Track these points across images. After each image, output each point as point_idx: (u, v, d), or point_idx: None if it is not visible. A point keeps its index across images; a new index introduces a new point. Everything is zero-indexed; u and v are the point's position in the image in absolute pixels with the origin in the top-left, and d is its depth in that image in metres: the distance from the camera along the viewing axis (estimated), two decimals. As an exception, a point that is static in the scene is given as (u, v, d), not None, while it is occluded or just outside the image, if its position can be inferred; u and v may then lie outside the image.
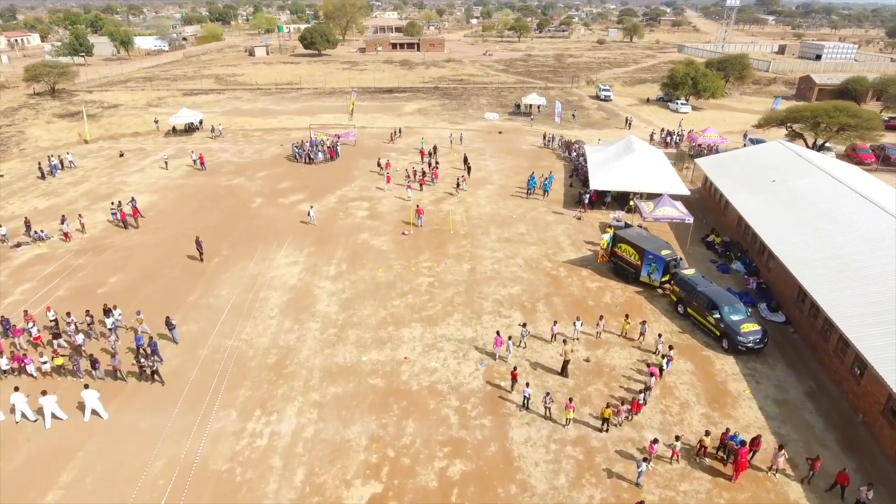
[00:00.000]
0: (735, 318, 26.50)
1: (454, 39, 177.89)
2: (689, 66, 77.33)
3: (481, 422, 22.09)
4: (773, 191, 35.76)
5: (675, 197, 38.33)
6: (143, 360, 23.54)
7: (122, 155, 55.28)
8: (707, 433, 20.12)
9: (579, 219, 41.06)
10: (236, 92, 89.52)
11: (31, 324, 26.05)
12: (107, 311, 26.89)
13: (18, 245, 36.00)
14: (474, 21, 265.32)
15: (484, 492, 19.12)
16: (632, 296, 31.14)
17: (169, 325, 26.04)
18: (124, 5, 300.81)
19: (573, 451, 20.76)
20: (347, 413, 22.35)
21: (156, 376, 23.70)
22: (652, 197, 40.90)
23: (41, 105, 76.89)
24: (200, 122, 64.91)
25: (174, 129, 63.56)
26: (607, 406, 21.35)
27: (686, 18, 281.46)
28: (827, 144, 54.01)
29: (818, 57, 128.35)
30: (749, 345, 25.65)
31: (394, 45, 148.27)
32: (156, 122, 65.39)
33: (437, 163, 50.51)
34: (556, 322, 26.98)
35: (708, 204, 43.37)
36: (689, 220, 36.04)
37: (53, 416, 21.78)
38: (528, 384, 22.45)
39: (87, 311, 27.01)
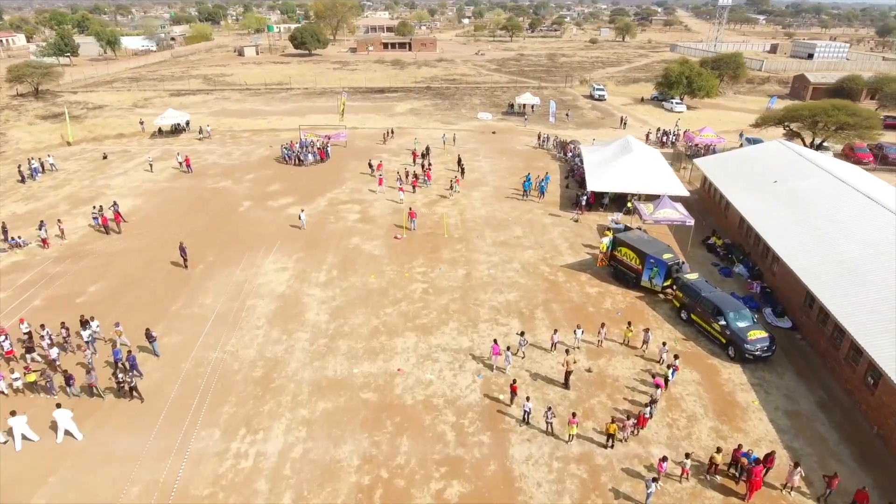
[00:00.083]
0: (741, 324, 25.51)
1: (446, 39, 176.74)
2: (684, 66, 76.58)
3: (479, 438, 20.94)
4: (775, 192, 34.85)
5: (674, 198, 37.37)
6: (121, 375, 22.21)
7: (105, 157, 53.71)
8: (718, 450, 19.07)
9: (577, 221, 40.02)
10: (225, 92, 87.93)
11: (3, 337, 24.64)
12: (84, 323, 25.51)
13: (-6, 252, 34.54)
14: (466, 21, 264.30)
15: (483, 516, 18.00)
16: (633, 301, 30.10)
17: (149, 337, 24.70)
18: (112, 5, 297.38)
19: (577, 469, 19.65)
20: (338, 431, 21.13)
21: (134, 392, 22.36)
22: (651, 198, 39.96)
23: (24, 106, 74.97)
24: (187, 124, 63.35)
25: (160, 130, 61.99)
26: (612, 421, 20.26)
27: (677, 18, 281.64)
28: (825, 144, 53.35)
29: (810, 56, 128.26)
30: (756, 353, 24.67)
31: (385, 45, 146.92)
32: (141, 123, 63.78)
33: (429, 164, 49.34)
34: (556, 330, 25.87)
35: (707, 205, 42.46)
36: (690, 222, 35.07)
37: (24, 437, 20.43)
38: (528, 398, 21.32)
39: (63, 322, 25.59)
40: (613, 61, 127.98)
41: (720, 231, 37.73)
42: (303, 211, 38.75)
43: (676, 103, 76.03)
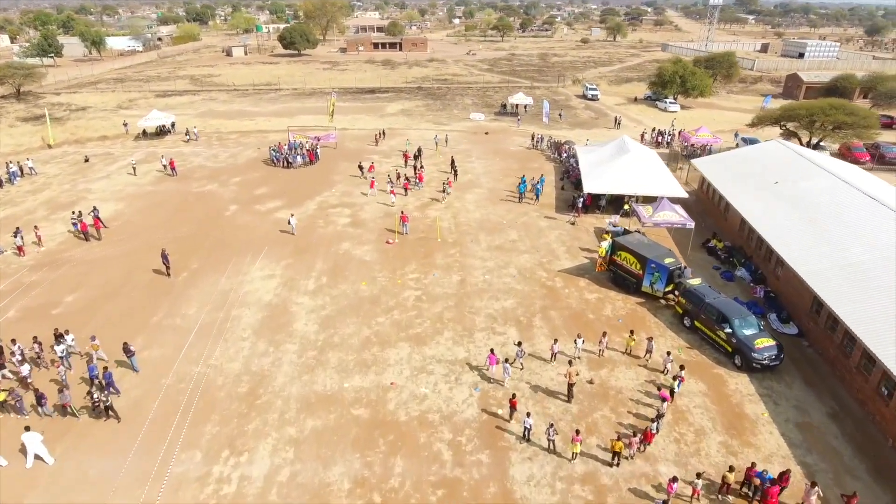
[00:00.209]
0: (748, 332, 24.54)
1: (437, 39, 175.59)
2: (678, 65, 75.92)
3: (478, 457, 19.80)
4: (776, 193, 33.99)
5: (673, 200, 36.44)
6: (96, 394, 20.87)
7: (87, 160, 52.08)
8: (731, 469, 18.04)
9: (573, 224, 39.01)
10: (212, 93, 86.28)
11: (-30, 353, 23.23)
12: (58, 337, 24.12)
13: (-34, 261, 32.98)
14: (457, 21, 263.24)
15: (483, 543, 16.87)
16: (634, 308, 29.08)
17: (127, 351, 23.35)
18: (98, 5, 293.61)
19: (582, 490, 18.56)
20: (328, 451, 19.91)
21: (110, 412, 21.02)
22: (648, 200, 39.02)
23: (4, 108, 73.05)
24: (172, 125, 61.75)
25: (144, 132, 60.36)
26: (618, 438, 19.19)
27: (667, 18, 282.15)
28: (821, 144, 52.71)
29: (801, 55, 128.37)
30: (764, 362, 23.71)
31: (375, 45, 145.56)
32: (125, 124, 62.09)
33: (421, 166, 48.14)
34: (556, 340, 24.77)
35: (706, 207, 41.57)
36: (691, 224, 34.13)
37: (-10, 462, 19.09)
38: (528, 414, 20.21)
39: (35, 337, 24.13)
40: (605, 61, 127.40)
41: (720, 233, 36.84)
42: (292, 215, 37.43)
43: (670, 103, 75.33)
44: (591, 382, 23.50)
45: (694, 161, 44.61)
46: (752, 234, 33.19)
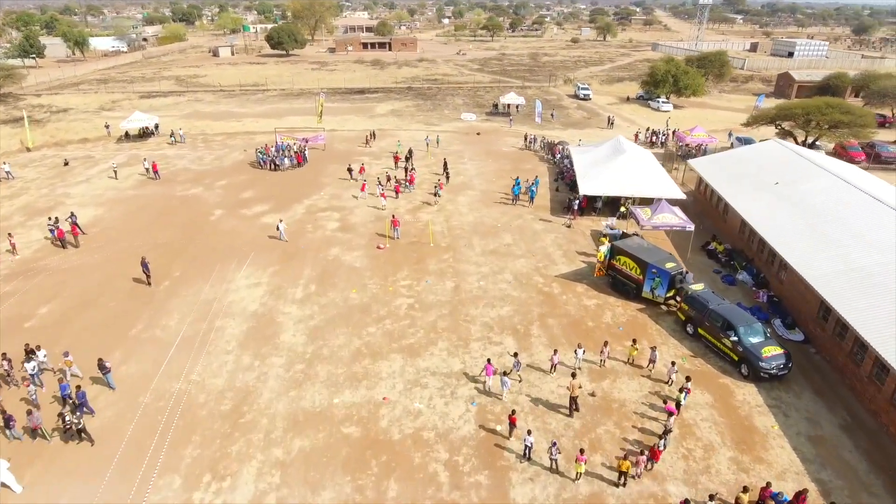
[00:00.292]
0: (754, 340, 23.61)
1: (426, 39, 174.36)
2: (670, 64, 75.27)
3: (476, 479, 18.67)
4: (777, 194, 33.16)
5: (670, 202, 35.55)
6: (67, 416, 19.51)
7: (66, 164, 50.38)
8: (745, 489, 17.03)
9: (569, 227, 38.00)
10: (198, 94, 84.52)
11: (-66, 371, 21.80)
12: (29, 353, 22.74)
13: (-65, 270, 31.38)
14: (446, 21, 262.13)
15: (484, 574, 15.74)
16: (634, 314, 28.08)
17: (102, 368, 21.97)
18: (83, 6, 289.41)
19: (587, 513, 17.50)
20: (316, 474, 18.69)
21: (83, 434, 19.67)
22: (645, 202, 38.13)
23: (-18, 110, 71.03)
24: (156, 127, 60.10)
25: (127, 134, 58.68)
26: (625, 457, 18.13)
27: (656, 18, 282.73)
28: (817, 143, 52.14)
29: (790, 54, 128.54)
30: (772, 371, 22.77)
31: (365, 45, 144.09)
32: (107, 126, 60.30)
33: (412, 168, 46.95)
34: (556, 351, 23.69)
35: (704, 208, 40.71)
36: (690, 227, 33.22)
37: (-49, 492, 17.71)
38: (529, 431, 19.09)
39: (4, 353, 22.70)
40: (596, 60, 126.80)
41: (719, 235, 35.97)
42: (281, 221, 35.99)
43: (663, 102, 74.71)
44: (593, 395, 22.45)
45: (690, 161, 43.78)
46: (754, 237, 32.35)
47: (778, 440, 20.38)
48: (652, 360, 23.55)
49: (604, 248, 30.12)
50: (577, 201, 39.00)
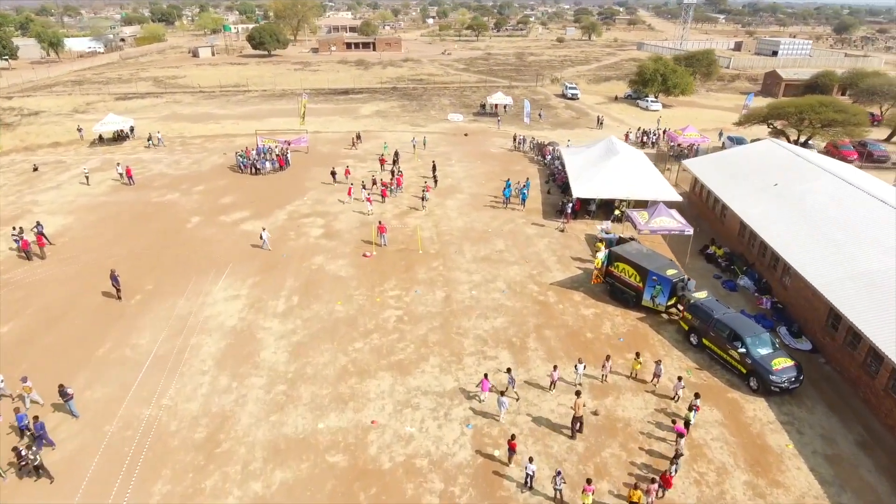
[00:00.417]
0: (763, 351, 22.40)
1: (411, 39, 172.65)
2: (658, 63, 74.46)
3: (474, 512, 17.18)
4: (778, 195, 32.09)
5: (667, 204, 34.35)
6: (23, 450, 17.67)
7: (35, 169, 48.03)
8: (766, 521, 15.75)
9: (562, 231, 36.67)
10: (176, 95, 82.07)
11: None
12: (-17, 379, 20.84)
13: None
14: (430, 21, 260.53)
15: None
16: (635, 324, 26.77)
17: (63, 394, 20.16)
18: (60, 6, 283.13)
19: (596, 549, 16.08)
20: (299, 511, 17.08)
21: (41, 471, 17.84)
22: (640, 205, 36.97)
23: (-51, 113, 68.12)
24: (131, 130, 57.83)
25: (100, 137, 56.32)
26: (635, 486, 16.74)
27: (639, 17, 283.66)
28: (809, 142, 51.45)
29: (774, 53, 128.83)
30: (783, 385, 21.56)
31: (348, 45, 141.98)
32: (79, 130, 57.85)
33: (399, 171, 45.30)
34: (555, 367, 22.26)
35: (700, 210, 39.60)
36: (689, 231, 32.05)
37: None
38: (531, 459, 17.62)
39: (-46, 380, 20.85)
40: (582, 60, 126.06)
41: (718, 239, 34.86)
42: (264, 229, 33.99)
43: (652, 101, 73.87)
44: (595, 414, 21.07)
45: (685, 162, 42.68)
46: (754, 240, 31.26)
47: (794, 460, 19.14)
48: (657, 375, 22.25)
49: (601, 255, 28.80)
50: (570, 204, 37.68)
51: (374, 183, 43.36)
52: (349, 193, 41.36)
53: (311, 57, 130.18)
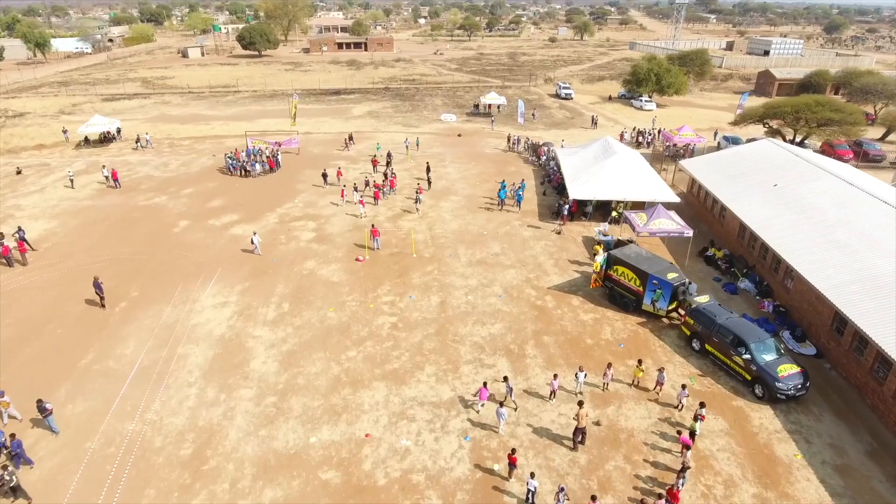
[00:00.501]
0: (768, 357, 21.80)
1: (402, 39, 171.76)
2: (652, 62, 74.05)
3: (474, 530, 16.43)
4: (778, 197, 31.57)
5: (666, 206, 33.76)
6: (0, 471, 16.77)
7: (19, 172, 46.84)
8: (779, 538, 15.10)
9: (559, 233, 36.00)
10: (165, 96, 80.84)
11: None
12: (-43, 394, 19.86)
13: None
14: (422, 21, 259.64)
15: None
16: (635, 329, 26.12)
17: (42, 410, 19.24)
18: (48, 6, 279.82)
19: (601, 570, 15.38)
20: (290, 532, 16.28)
21: (18, 492, 16.92)
22: (637, 206, 36.38)
23: (-70, 115, 66.63)
24: (118, 131, 56.67)
25: (86, 139, 55.10)
26: (641, 502, 16.07)
27: (631, 17, 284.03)
28: (805, 141, 51.09)
29: (766, 52, 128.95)
30: (790, 392, 20.96)
31: (340, 45, 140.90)
32: (65, 131, 56.60)
33: (393, 172, 44.43)
34: (555, 375, 21.54)
35: (698, 211, 39.06)
36: (689, 233, 31.45)
37: None
38: (532, 475, 16.86)
39: (-74, 396, 19.85)
40: (575, 59, 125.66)
41: (717, 240, 34.32)
42: (255, 233, 33.11)
43: (646, 101, 73.41)
44: (598, 424, 20.38)
45: (682, 162, 42.13)
46: (754, 242, 30.71)
47: (803, 471, 18.52)
48: (659, 383, 21.57)
49: (600, 258, 28.15)
50: (566, 206, 37.01)
51: (367, 184, 42.52)
52: (342, 196, 40.52)
53: (302, 57, 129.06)
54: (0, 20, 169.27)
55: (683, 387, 20.91)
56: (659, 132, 56.96)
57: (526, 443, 19.51)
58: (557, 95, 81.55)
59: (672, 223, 31.50)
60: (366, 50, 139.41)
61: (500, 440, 19.56)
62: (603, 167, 38.27)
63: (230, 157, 47.64)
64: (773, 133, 50.53)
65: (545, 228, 36.67)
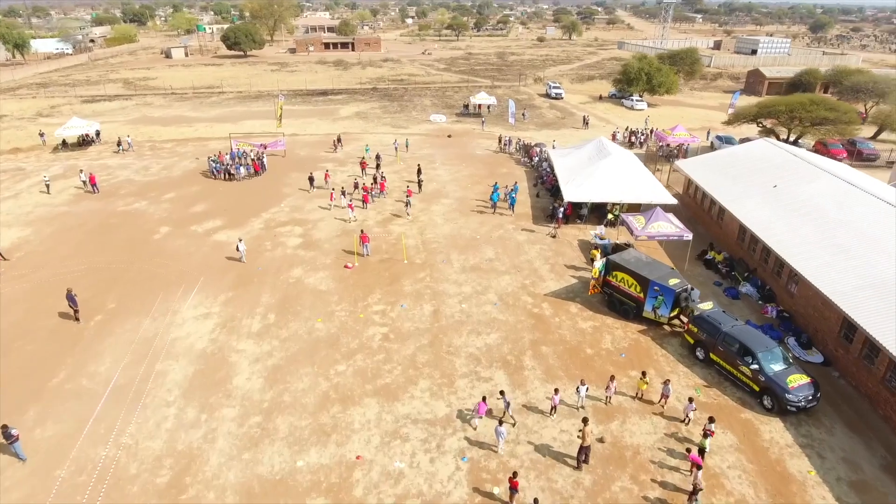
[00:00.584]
0: (777, 367, 20.91)
1: (390, 39, 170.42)
2: (643, 62, 73.45)
3: (474, 562, 15.33)
4: (779, 198, 30.78)
5: (663, 208, 32.86)
6: (-46, 505, 15.40)
7: (-8, 177, 45.13)
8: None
9: (554, 237, 35.01)
10: (147, 98, 78.96)
11: None
12: (-86, 419, 18.41)
13: None
14: (410, 21, 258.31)
15: None
16: (636, 337, 25.15)
17: (7, 436, 17.85)
18: (29, 7, 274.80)
19: None
20: (276, 569, 15.06)
21: (-24, 529, 15.60)
22: (634, 208, 35.48)
23: None
24: (97, 134, 54.93)
25: (64, 142, 53.32)
26: (653, 530, 15.05)
27: (618, 17, 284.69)
28: (799, 140, 50.60)
29: (754, 52, 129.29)
30: (800, 404, 20.08)
31: (326, 45, 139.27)
32: (41, 134, 54.72)
33: (383, 175, 43.18)
34: (556, 390, 20.48)
35: (695, 213, 38.25)
36: (688, 236, 30.60)
37: None
38: (536, 501, 15.80)
39: None
40: (564, 59, 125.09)
41: (716, 243, 33.49)
42: (241, 240, 31.65)
43: (637, 101, 72.81)
44: (601, 441, 19.35)
45: (678, 163, 41.34)
46: (755, 245, 29.89)
47: (818, 489, 17.62)
48: (665, 395, 20.61)
49: (598, 264, 27.14)
50: (561, 209, 36.02)
51: (357, 187, 41.30)
52: (331, 198, 39.27)
53: (288, 57, 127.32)
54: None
55: (690, 400, 19.95)
56: (652, 132, 56.22)
57: (527, 462, 18.43)
58: (548, 95, 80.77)
59: (671, 226, 30.61)
60: (353, 50, 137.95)
61: (500, 460, 18.47)
62: (598, 168, 37.36)
63: (213, 161, 46.19)
64: (767, 132, 50.02)
65: (539, 232, 35.66)
